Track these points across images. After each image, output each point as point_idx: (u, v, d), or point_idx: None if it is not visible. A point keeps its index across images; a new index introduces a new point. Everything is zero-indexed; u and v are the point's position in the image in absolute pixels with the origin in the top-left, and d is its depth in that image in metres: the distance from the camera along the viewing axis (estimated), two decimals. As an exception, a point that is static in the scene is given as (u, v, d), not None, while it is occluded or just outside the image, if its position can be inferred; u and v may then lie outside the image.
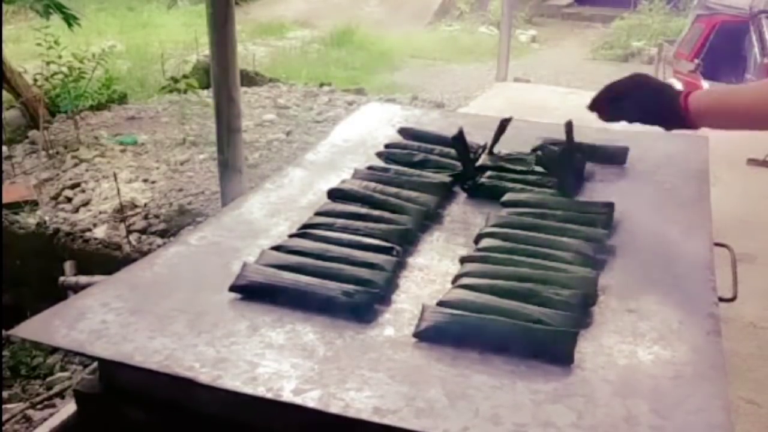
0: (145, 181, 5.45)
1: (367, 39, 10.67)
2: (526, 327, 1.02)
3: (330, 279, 1.13)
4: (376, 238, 1.28)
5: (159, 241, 4.44)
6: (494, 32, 10.57)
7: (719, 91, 1.39)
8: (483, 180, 1.54)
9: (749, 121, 1.32)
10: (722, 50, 5.55)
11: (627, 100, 1.46)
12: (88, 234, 4.52)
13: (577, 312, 1.08)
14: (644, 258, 1.28)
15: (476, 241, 1.30)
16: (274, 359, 0.98)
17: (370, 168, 1.60)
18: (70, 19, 5.65)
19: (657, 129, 1.42)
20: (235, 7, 2.33)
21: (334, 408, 0.90)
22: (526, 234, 1.29)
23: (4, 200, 4.66)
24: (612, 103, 1.50)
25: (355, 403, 0.90)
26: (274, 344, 1.02)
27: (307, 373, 0.95)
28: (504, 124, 1.69)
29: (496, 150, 1.68)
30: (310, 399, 0.91)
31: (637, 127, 1.47)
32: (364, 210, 1.39)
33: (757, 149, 3.45)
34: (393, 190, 1.47)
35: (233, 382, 0.94)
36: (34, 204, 5.07)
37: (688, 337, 1.05)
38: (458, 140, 1.54)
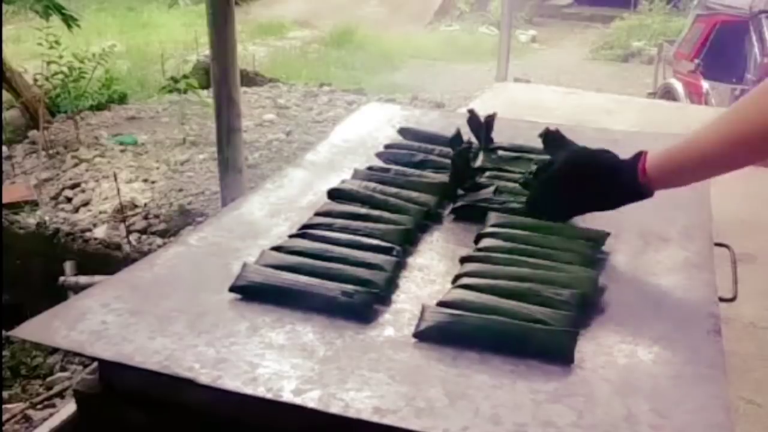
0: (145, 181, 5.45)
1: (367, 39, 10.68)
2: (526, 327, 1.02)
3: (330, 279, 1.13)
4: (376, 239, 1.28)
5: (159, 241, 4.44)
6: (494, 32, 10.57)
7: (671, 150, 1.21)
8: (463, 202, 1.46)
9: (709, 169, 1.22)
10: (722, 50, 5.54)
11: (576, 193, 1.31)
12: (88, 234, 4.53)
13: (577, 312, 1.08)
14: (644, 258, 1.28)
15: (476, 241, 1.31)
16: (274, 359, 0.98)
17: (370, 168, 1.60)
18: (69, 21, 5.65)
19: (656, 130, 1.41)
20: (235, 7, 2.33)
21: (334, 408, 0.90)
22: (527, 234, 1.29)
23: (4, 200, 4.66)
24: (557, 201, 1.34)
25: (355, 403, 0.90)
26: (274, 344, 1.02)
27: (307, 374, 0.95)
28: (489, 122, 1.69)
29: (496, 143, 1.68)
30: (310, 399, 0.91)
31: (637, 127, 1.45)
32: (364, 210, 1.39)
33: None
34: (393, 190, 1.47)
35: (233, 382, 0.94)
36: (34, 204, 5.08)
37: (689, 336, 1.05)
38: (458, 155, 1.50)
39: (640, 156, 1.23)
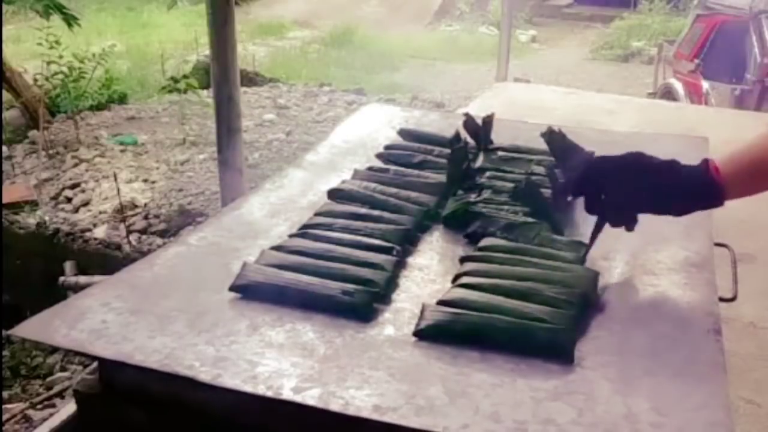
0: (145, 181, 5.45)
1: (367, 39, 10.68)
2: (526, 325, 1.03)
3: (330, 278, 1.13)
4: (376, 238, 1.28)
5: (159, 241, 4.45)
6: (494, 32, 10.57)
7: (740, 155, 1.14)
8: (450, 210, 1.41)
9: None
10: (722, 50, 5.54)
11: (640, 193, 1.17)
12: (88, 234, 4.53)
13: (577, 311, 1.08)
14: (644, 257, 1.28)
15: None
16: (274, 358, 0.98)
17: (370, 169, 1.60)
18: (70, 20, 5.65)
19: (656, 130, 1.40)
20: (235, 7, 2.33)
21: (334, 406, 0.90)
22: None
23: (4, 200, 4.67)
24: (614, 203, 1.19)
25: (355, 401, 0.90)
26: (274, 343, 1.02)
27: (307, 372, 0.95)
28: (487, 122, 1.69)
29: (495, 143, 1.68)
30: (310, 397, 0.91)
31: (637, 127, 1.44)
32: (364, 210, 1.39)
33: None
34: (393, 190, 1.47)
35: (233, 380, 0.94)
36: (34, 204, 5.08)
37: (689, 336, 1.05)
38: (454, 154, 1.48)
39: (707, 161, 1.16)
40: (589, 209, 1.21)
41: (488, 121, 1.69)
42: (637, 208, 1.19)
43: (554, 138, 1.50)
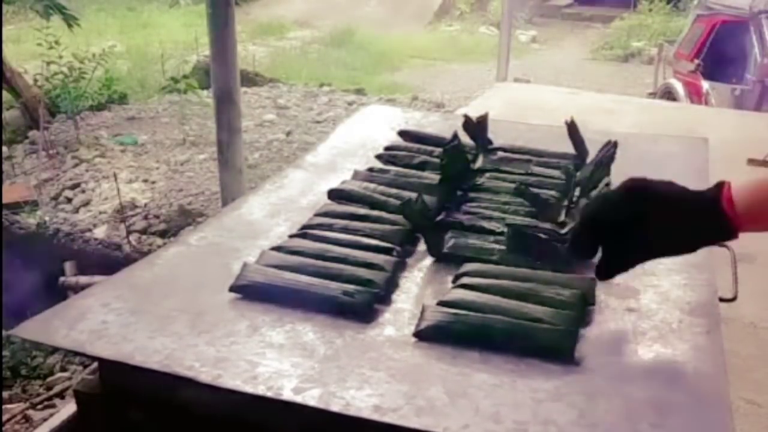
0: (145, 181, 5.45)
1: (367, 39, 10.68)
2: (526, 326, 1.02)
3: (330, 279, 1.13)
4: (376, 239, 1.28)
5: (159, 241, 4.45)
6: (494, 32, 10.57)
7: (759, 181, 0.99)
8: (447, 250, 1.27)
9: None
10: (722, 50, 5.55)
11: (644, 232, 1.01)
12: (88, 234, 4.53)
13: (577, 311, 1.08)
14: (644, 258, 1.28)
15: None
16: (274, 358, 0.98)
17: (370, 170, 1.60)
18: (70, 20, 5.66)
19: (656, 130, 1.39)
20: (235, 7, 2.33)
21: (335, 406, 0.90)
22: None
23: (4, 200, 4.67)
24: (611, 243, 1.06)
25: (356, 402, 0.90)
26: (274, 344, 1.02)
27: (307, 372, 0.95)
28: (482, 123, 1.68)
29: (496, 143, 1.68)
30: (311, 397, 0.91)
31: (637, 127, 1.43)
32: (364, 210, 1.39)
33: (757, 149, 3.46)
34: (393, 191, 1.47)
35: (233, 381, 0.94)
36: (34, 204, 5.08)
37: (689, 336, 1.05)
38: (445, 153, 1.44)
39: (720, 187, 1.00)
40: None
41: (482, 121, 1.69)
42: (642, 259, 1.08)
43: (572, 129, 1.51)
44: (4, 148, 5.86)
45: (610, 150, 1.49)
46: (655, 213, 1.01)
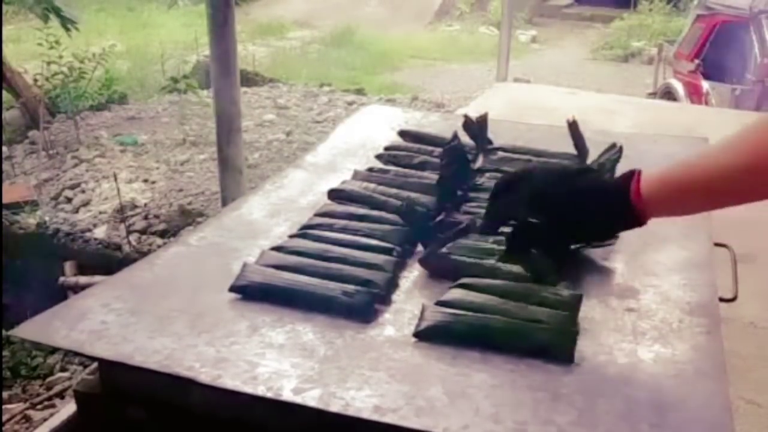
0: (145, 181, 5.46)
1: (367, 39, 10.69)
2: (526, 326, 1.02)
3: (330, 279, 1.13)
4: (376, 239, 1.28)
5: (159, 241, 4.45)
6: (494, 32, 10.58)
7: (669, 171, 1.02)
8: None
9: (710, 201, 1.04)
10: (722, 50, 5.55)
11: (546, 218, 1.08)
12: (88, 234, 4.53)
13: (577, 312, 1.08)
14: (644, 258, 1.28)
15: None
16: (274, 359, 0.98)
17: (370, 170, 1.60)
18: (67, 24, 5.65)
19: (656, 130, 1.39)
20: (235, 7, 2.33)
21: (335, 407, 0.90)
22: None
23: (4, 200, 4.67)
24: (520, 227, 1.12)
25: (356, 402, 0.90)
26: (274, 344, 1.02)
27: (307, 373, 0.95)
28: (481, 123, 1.69)
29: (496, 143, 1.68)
30: (311, 398, 0.91)
31: (637, 127, 1.43)
32: (364, 211, 1.39)
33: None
34: (393, 191, 1.47)
35: (233, 381, 0.94)
36: (34, 204, 5.08)
37: (689, 336, 1.05)
38: (444, 153, 1.44)
39: (631, 177, 1.05)
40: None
41: (482, 121, 1.69)
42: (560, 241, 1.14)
43: (573, 128, 1.51)
44: (4, 148, 5.87)
45: (615, 154, 1.49)
46: (567, 203, 1.08)
